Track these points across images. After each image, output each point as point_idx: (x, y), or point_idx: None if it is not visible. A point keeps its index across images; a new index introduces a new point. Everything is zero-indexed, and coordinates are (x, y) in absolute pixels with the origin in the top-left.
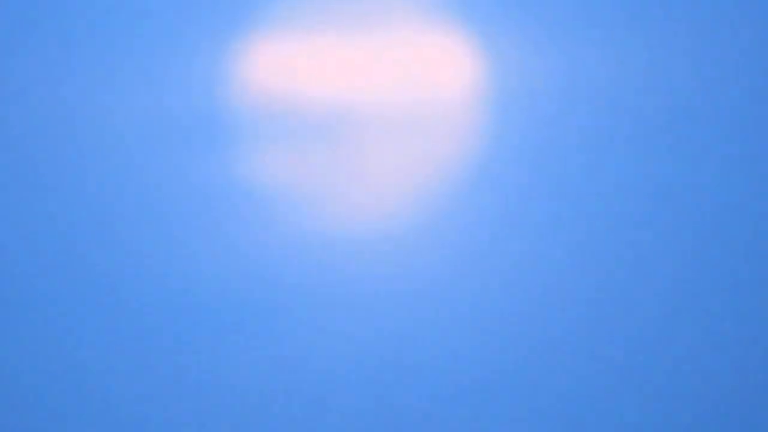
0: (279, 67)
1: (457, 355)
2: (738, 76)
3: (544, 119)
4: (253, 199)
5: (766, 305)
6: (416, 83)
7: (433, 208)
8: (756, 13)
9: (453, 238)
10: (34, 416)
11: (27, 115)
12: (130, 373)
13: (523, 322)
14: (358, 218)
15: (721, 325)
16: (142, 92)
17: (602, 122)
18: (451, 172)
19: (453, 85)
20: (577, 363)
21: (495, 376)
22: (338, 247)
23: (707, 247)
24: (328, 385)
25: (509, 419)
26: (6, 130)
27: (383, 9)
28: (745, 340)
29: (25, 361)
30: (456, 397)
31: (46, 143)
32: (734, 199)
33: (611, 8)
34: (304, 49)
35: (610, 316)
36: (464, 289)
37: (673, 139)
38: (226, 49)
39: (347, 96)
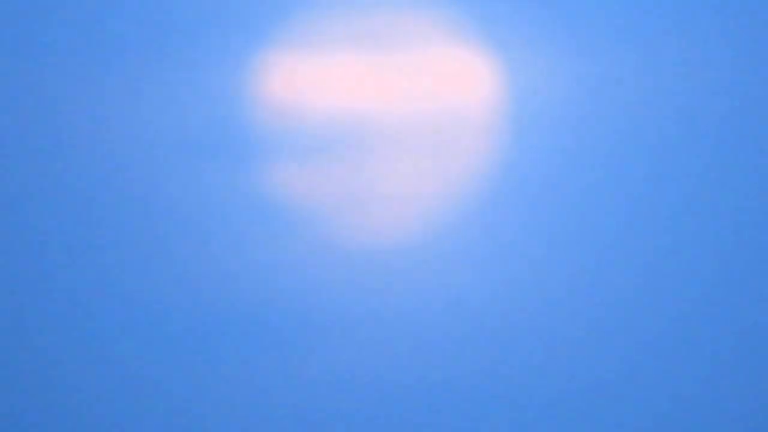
0: (298, 82)
1: (474, 366)
2: (762, 79)
3: (560, 131)
4: (273, 212)
5: None
6: (433, 98)
7: (449, 220)
8: None
9: (469, 250)
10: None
11: (44, 129)
12: (135, 380)
13: (541, 334)
14: (376, 230)
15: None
16: (161, 108)
17: (619, 134)
18: (468, 185)
19: (469, 99)
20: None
21: (514, 385)
22: (356, 258)
23: (733, 251)
24: (343, 395)
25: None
26: (29, 143)
27: (399, 26)
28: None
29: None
30: (474, 403)
31: (64, 156)
32: (760, 206)
33: (628, 22)
34: (321, 65)
35: (642, 331)
36: (482, 300)
37: (695, 148)
38: (246, 66)
39: (365, 110)
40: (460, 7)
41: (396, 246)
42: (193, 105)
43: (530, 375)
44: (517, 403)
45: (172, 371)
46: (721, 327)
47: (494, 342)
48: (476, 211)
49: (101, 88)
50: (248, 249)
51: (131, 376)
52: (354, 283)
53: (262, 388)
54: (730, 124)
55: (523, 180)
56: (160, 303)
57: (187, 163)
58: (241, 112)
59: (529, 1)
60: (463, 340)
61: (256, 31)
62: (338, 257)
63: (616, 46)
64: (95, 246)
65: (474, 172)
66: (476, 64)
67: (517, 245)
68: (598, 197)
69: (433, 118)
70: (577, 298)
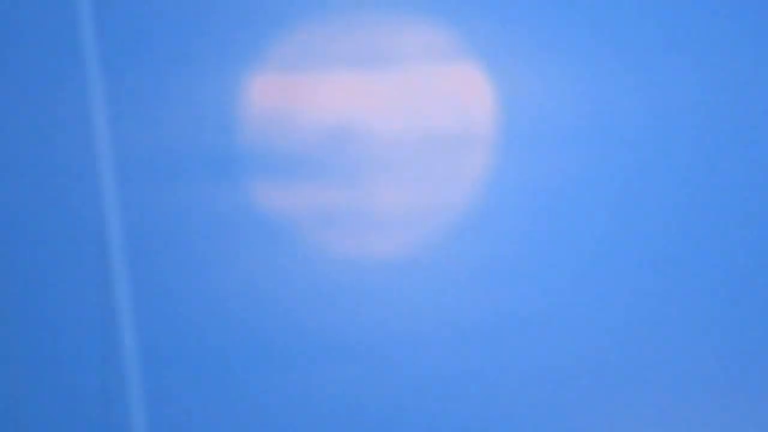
0: (296, 99)
1: (479, 377)
2: (757, 111)
3: (557, 145)
4: (270, 226)
5: None
6: (429, 113)
7: (446, 234)
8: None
9: (465, 262)
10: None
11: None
12: (127, 387)
13: (541, 347)
14: (373, 244)
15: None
16: (163, 121)
17: (621, 145)
18: (464, 199)
19: (465, 114)
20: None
21: (512, 392)
22: (353, 272)
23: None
24: (344, 415)
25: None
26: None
27: (396, 43)
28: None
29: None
30: (464, 403)
31: (69, 172)
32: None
33: (626, 40)
34: (318, 82)
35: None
36: (485, 312)
37: (696, 166)
38: (243, 83)
39: (361, 125)
40: (456, 25)
41: (394, 260)
42: (191, 121)
43: (528, 382)
44: (516, 410)
45: (171, 374)
46: (724, 338)
47: (496, 354)
48: (474, 224)
49: (99, 97)
50: (247, 263)
51: (121, 384)
52: (352, 296)
53: (266, 401)
54: (729, 134)
55: (519, 194)
56: (158, 310)
57: (188, 178)
58: (237, 129)
59: (526, 19)
60: (464, 352)
61: (253, 48)
62: (336, 270)
63: (615, 62)
64: (90, 254)
65: (469, 186)
66: (471, 80)
67: (512, 257)
68: (595, 206)
69: (429, 133)
70: (577, 312)
